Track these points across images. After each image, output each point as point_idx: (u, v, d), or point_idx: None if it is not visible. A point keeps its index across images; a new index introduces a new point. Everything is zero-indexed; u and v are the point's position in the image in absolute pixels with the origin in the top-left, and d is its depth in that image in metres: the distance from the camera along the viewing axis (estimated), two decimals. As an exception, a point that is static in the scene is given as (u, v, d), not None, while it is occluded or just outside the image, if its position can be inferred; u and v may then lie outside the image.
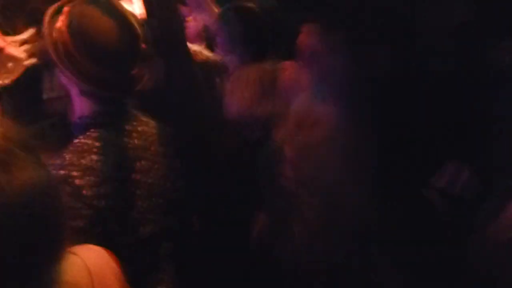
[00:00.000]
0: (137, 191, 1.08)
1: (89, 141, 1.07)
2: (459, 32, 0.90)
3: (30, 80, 1.50)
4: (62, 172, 1.01)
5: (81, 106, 1.14)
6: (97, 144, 1.06)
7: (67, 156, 1.05)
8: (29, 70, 1.57)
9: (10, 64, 1.86)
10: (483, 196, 1.09)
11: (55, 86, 1.52)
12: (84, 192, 1.00)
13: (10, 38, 1.95)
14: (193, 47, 1.73)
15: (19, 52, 1.81)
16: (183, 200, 1.19)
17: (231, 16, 1.82)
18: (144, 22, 1.31)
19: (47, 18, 1.15)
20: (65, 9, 1.13)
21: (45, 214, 0.63)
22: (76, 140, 1.09)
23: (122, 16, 1.14)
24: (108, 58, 1.08)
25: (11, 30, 1.98)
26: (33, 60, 1.77)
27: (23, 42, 1.88)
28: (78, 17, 1.09)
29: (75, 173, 1.01)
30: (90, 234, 0.96)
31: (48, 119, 1.46)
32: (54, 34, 1.10)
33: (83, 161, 1.03)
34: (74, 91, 1.14)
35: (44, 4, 1.24)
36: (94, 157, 1.03)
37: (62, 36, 1.09)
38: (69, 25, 1.08)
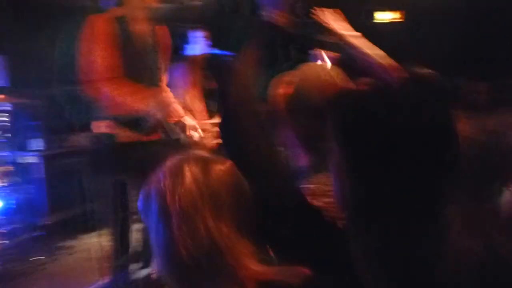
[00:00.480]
0: None
1: (317, 185, 1.26)
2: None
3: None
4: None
5: (302, 156, 1.36)
6: (324, 187, 1.23)
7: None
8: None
9: (199, 143, 2.45)
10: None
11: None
12: None
13: (204, 121, 2.55)
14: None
15: (208, 134, 2.40)
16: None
17: None
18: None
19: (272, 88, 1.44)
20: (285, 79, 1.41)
21: None
22: (306, 186, 1.28)
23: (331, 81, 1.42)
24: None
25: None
26: (219, 141, 2.34)
27: (215, 125, 2.45)
28: (299, 85, 1.37)
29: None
30: None
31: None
32: (280, 98, 1.40)
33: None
34: (295, 145, 1.36)
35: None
36: (326, 199, 1.18)
37: (288, 99, 1.37)
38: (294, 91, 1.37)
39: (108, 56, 2.21)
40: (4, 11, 4.53)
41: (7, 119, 3.45)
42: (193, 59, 2.93)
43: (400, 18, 4.85)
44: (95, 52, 2.20)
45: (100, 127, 2.40)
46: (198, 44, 3.21)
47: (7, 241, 3.32)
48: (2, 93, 3.61)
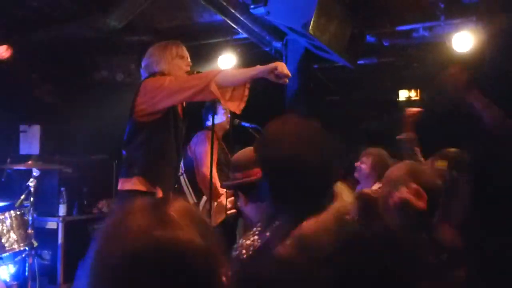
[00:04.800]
0: None
1: None
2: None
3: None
4: None
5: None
6: None
7: None
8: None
9: (218, 211, 2.64)
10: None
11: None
12: None
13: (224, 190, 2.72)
14: None
15: (226, 201, 2.58)
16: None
17: None
18: None
19: None
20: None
21: None
22: None
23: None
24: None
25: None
26: (233, 211, 2.55)
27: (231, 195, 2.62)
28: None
29: None
30: None
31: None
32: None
33: None
34: None
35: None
36: None
37: None
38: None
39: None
40: (42, 87, 4.88)
41: (32, 184, 3.57)
42: (216, 128, 3.15)
43: (416, 96, 5.08)
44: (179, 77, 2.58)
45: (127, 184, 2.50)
46: (221, 115, 3.47)
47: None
48: (31, 159, 3.79)
